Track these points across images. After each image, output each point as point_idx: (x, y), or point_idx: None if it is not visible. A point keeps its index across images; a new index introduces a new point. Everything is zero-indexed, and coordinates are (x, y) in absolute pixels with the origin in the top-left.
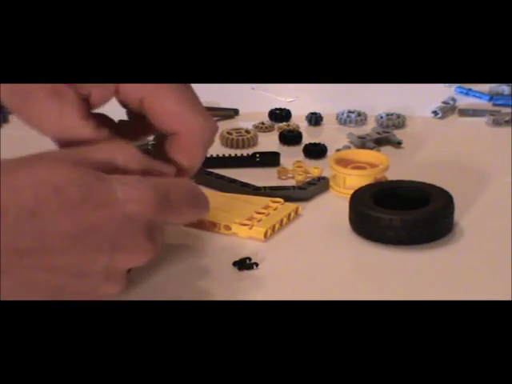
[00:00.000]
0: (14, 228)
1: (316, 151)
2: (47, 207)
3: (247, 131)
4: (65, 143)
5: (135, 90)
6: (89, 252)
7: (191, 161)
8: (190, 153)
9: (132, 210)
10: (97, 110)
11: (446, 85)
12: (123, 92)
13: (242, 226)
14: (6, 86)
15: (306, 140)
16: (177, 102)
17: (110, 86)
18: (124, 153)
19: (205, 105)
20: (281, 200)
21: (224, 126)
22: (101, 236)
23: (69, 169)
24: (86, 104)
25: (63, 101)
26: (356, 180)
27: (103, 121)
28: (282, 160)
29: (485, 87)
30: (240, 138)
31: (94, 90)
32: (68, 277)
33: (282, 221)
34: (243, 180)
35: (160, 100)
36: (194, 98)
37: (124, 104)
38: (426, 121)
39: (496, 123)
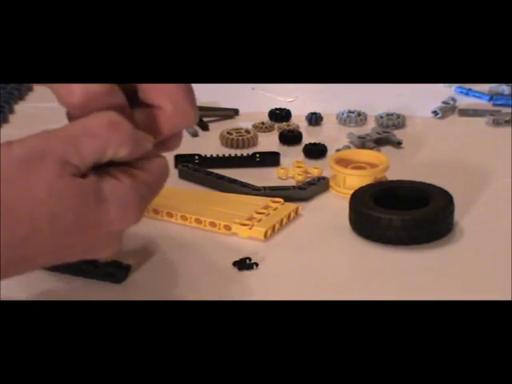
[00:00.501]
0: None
1: (316, 151)
2: (40, 234)
3: (247, 131)
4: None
5: None
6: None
7: (177, 139)
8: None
9: (120, 228)
10: None
11: (446, 85)
12: None
13: (241, 225)
14: None
15: (306, 140)
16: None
17: None
18: (116, 136)
19: (205, 105)
20: (281, 200)
21: (224, 125)
22: (78, 249)
23: (69, 190)
24: None
25: None
26: (356, 180)
27: None
28: (282, 160)
29: (485, 87)
30: (240, 137)
31: None
32: None
33: (281, 221)
34: (243, 180)
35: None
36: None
37: None
38: (426, 121)
39: (496, 123)
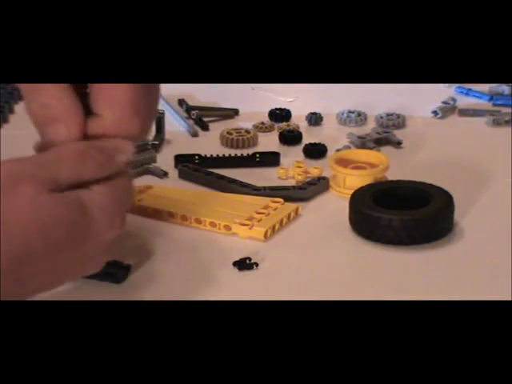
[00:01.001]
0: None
1: (316, 151)
2: (34, 252)
3: (247, 131)
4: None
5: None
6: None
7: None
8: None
9: (108, 237)
10: None
11: (446, 85)
12: None
13: (242, 225)
14: None
15: (306, 140)
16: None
17: None
18: (87, 166)
19: (205, 105)
20: (281, 200)
21: (224, 125)
22: (73, 266)
23: (53, 205)
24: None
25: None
26: (356, 180)
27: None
28: (282, 160)
29: (485, 87)
30: (240, 138)
31: None
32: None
33: (281, 221)
34: (243, 180)
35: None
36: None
37: None
38: (426, 121)
39: (496, 123)
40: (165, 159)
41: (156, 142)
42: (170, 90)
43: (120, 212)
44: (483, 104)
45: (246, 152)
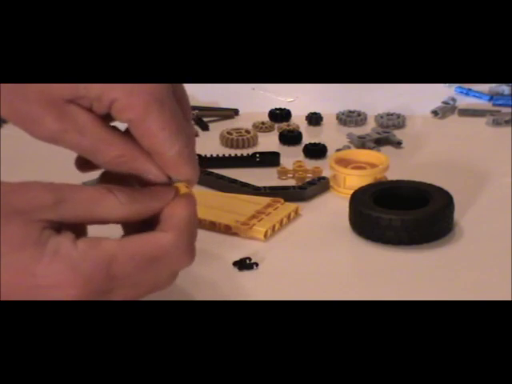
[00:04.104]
0: None
1: (316, 151)
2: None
3: (247, 131)
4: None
5: (126, 110)
6: None
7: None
8: (174, 171)
9: (53, 291)
10: None
11: (446, 85)
12: (114, 110)
13: (242, 225)
14: (5, 113)
15: (305, 140)
16: (162, 128)
17: (105, 101)
18: (106, 205)
19: (205, 105)
20: (281, 200)
21: (224, 125)
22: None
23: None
24: (99, 117)
25: (75, 121)
26: (356, 180)
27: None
28: (282, 160)
29: (485, 87)
30: (240, 138)
31: (94, 103)
32: None
33: (282, 221)
34: (243, 180)
35: (146, 124)
36: (179, 118)
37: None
38: (426, 121)
39: (496, 123)
40: None
41: None
42: None
43: (83, 276)
44: (483, 104)
45: (246, 152)
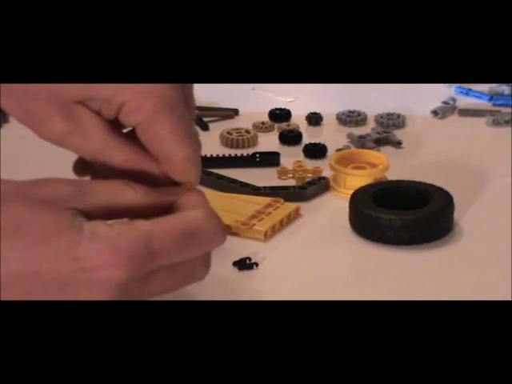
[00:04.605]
0: None
1: (316, 151)
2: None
3: (247, 131)
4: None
5: (135, 113)
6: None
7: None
8: (181, 176)
9: (97, 268)
10: None
11: (446, 85)
12: (124, 112)
13: (242, 225)
14: (14, 111)
15: (306, 140)
16: (171, 132)
17: (115, 103)
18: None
19: (205, 105)
20: (281, 200)
21: (224, 125)
22: (53, 287)
23: (46, 211)
24: (106, 121)
25: (81, 124)
26: (356, 180)
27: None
28: (282, 160)
29: (485, 87)
30: (240, 138)
31: (104, 105)
32: None
33: (282, 221)
34: (243, 180)
35: (155, 127)
36: (188, 122)
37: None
38: (426, 121)
39: (496, 123)
40: None
41: None
42: None
43: (128, 253)
44: (483, 104)
45: (246, 152)
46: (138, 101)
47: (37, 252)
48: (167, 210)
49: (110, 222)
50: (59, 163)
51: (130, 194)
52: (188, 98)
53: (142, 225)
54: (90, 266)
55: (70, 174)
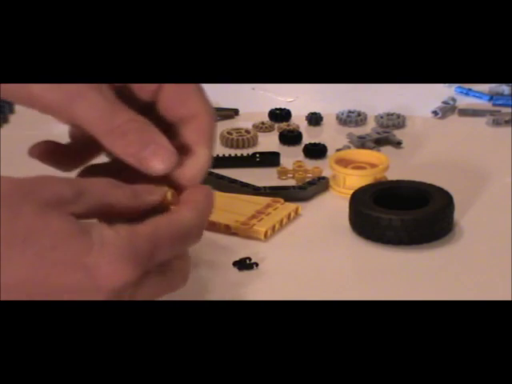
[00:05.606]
0: None
1: (316, 151)
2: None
3: (247, 131)
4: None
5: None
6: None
7: (210, 144)
8: (209, 136)
9: (105, 277)
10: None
11: (446, 85)
12: (164, 93)
13: (242, 225)
14: (48, 88)
15: (306, 140)
16: (197, 88)
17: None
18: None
19: None
20: (281, 200)
21: (224, 125)
22: (58, 293)
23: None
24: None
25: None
26: (356, 180)
27: (53, 147)
28: (282, 160)
29: (485, 87)
30: (240, 138)
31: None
32: None
33: (282, 221)
34: (243, 180)
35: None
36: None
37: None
38: (426, 121)
39: (496, 123)
40: None
41: None
42: None
43: (131, 258)
44: (483, 104)
45: (246, 152)
46: (179, 86)
47: (47, 259)
48: (154, 208)
49: (113, 226)
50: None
51: (118, 194)
52: None
53: (146, 231)
54: (99, 274)
55: (71, 175)
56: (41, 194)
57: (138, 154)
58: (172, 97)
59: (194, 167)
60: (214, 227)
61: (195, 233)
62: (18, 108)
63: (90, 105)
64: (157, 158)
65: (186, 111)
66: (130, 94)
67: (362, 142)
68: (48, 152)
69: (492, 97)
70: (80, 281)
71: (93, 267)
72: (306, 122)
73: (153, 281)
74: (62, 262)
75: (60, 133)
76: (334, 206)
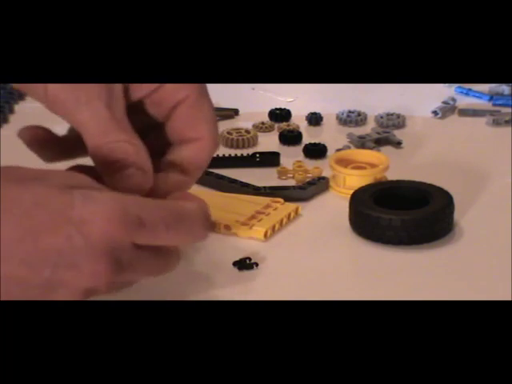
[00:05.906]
0: None
1: (316, 151)
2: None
3: (247, 131)
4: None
5: (179, 91)
6: (33, 265)
7: (200, 168)
8: (203, 160)
9: (90, 230)
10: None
11: (446, 85)
12: (162, 92)
13: (242, 225)
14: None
15: (306, 140)
16: (208, 110)
17: (152, 85)
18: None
19: None
20: (281, 200)
21: (224, 126)
22: (51, 254)
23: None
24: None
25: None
26: (356, 180)
27: (44, 135)
28: (282, 160)
29: (485, 87)
30: (240, 138)
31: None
32: (12, 286)
33: (282, 221)
34: (243, 180)
35: (197, 107)
36: (212, 107)
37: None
38: (426, 121)
39: (496, 123)
40: None
41: None
42: None
43: (110, 208)
44: (483, 104)
45: (246, 152)
46: (178, 85)
47: (32, 218)
48: None
49: (98, 186)
50: (59, 164)
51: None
52: None
53: (133, 196)
54: (88, 230)
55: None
56: (26, 172)
57: (114, 174)
58: (185, 121)
59: (185, 187)
60: (214, 227)
61: (196, 220)
62: (18, 108)
63: (92, 115)
64: (130, 181)
65: (194, 135)
66: (143, 110)
67: (362, 142)
68: (38, 138)
69: (492, 97)
70: (71, 238)
71: (80, 222)
72: (306, 122)
73: (149, 259)
74: (48, 218)
75: (59, 133)
76: (334, 206)
